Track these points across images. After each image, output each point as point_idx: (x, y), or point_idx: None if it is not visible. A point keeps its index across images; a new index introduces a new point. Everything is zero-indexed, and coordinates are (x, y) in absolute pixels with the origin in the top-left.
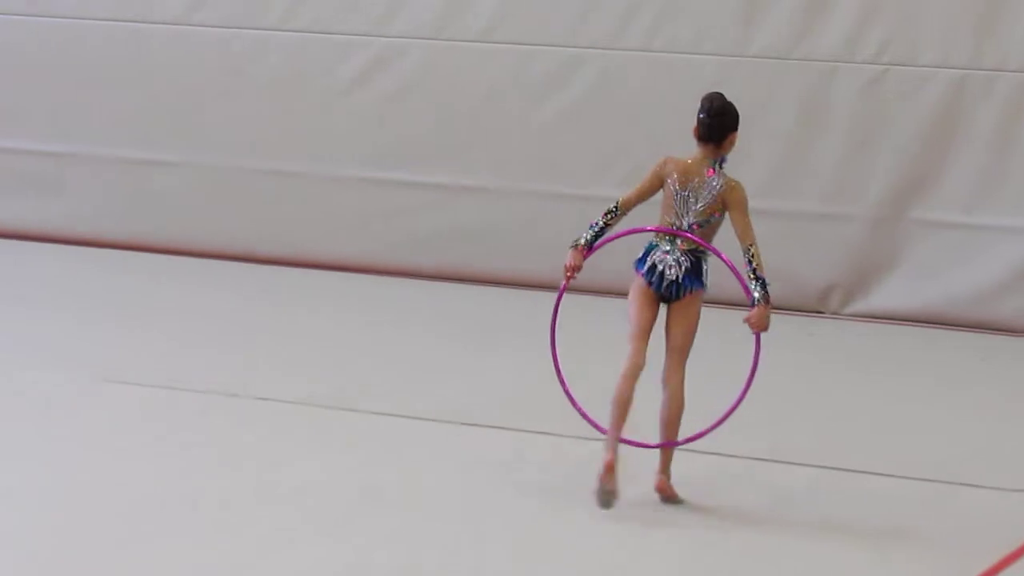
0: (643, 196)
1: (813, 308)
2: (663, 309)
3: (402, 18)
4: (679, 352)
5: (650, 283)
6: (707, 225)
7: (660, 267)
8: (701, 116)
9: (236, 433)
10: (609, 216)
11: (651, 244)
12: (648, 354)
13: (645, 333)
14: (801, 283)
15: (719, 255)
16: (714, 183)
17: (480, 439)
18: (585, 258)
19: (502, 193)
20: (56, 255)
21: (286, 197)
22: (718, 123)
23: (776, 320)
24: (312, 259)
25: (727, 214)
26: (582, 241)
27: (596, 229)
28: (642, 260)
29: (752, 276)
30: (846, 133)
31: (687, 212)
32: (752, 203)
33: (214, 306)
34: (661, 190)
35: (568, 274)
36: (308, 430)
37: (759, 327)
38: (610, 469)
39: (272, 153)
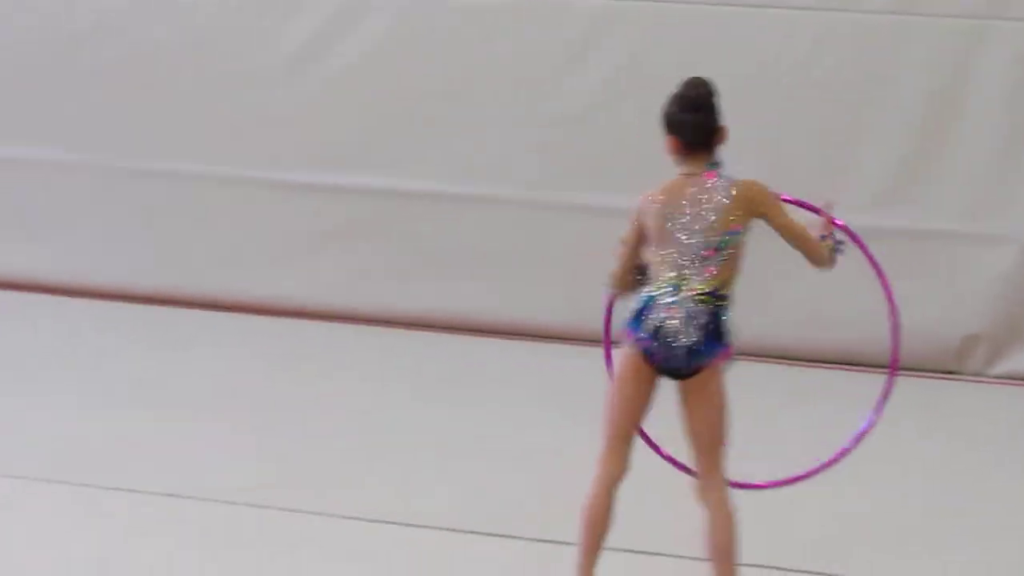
0: (632, 258)
1: (947, 368)
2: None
3: None
4: (712, 451)
5: (649, 355)
6: (726, 247)
7: (666, 330)
8: (683, 117)
9: None
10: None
11: (647, 297)
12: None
13: (630, 432)
14: (930, 333)
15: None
16: (721, 186)
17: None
18: None
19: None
20: None
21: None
22: (709, 117)
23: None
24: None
25: (753, 224)
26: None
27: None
28: (637, 320)
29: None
30: (994, 120)
31: (690, 236)
32: (860, 220)
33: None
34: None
35: None
36: None
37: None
38: None
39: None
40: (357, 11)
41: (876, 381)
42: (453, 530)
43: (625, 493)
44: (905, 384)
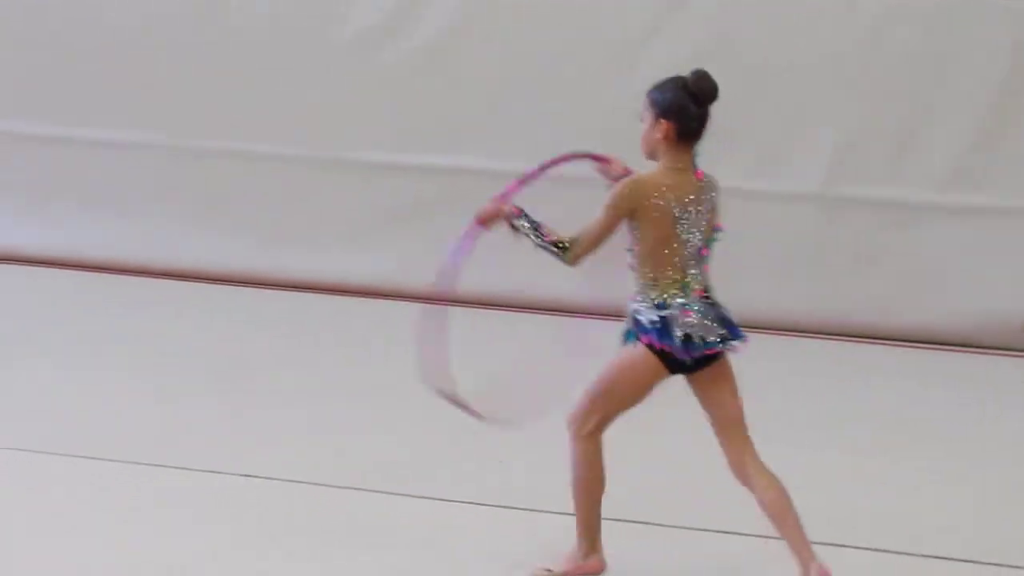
0: (602, 242)
1: (1014, 344)
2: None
3: None
4: (739, 424)
5: (674, 359)
6: (712, 244)
7: (695, 335)
8: (692, 109)
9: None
10: (559, 249)
11: (661, 304)
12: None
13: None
14: (996, 309)
15: None
16: (710, 183)
17: None
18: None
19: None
20: None
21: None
22: (708, 115)
23: (957, 360)
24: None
25: None
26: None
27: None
28: (664, 331)
29: None
30: None
31: (693, 236)
32: (935, 197)
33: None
34: (633, 227)
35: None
36: None
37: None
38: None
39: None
40: None
41: None
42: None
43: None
44: (978, 361)
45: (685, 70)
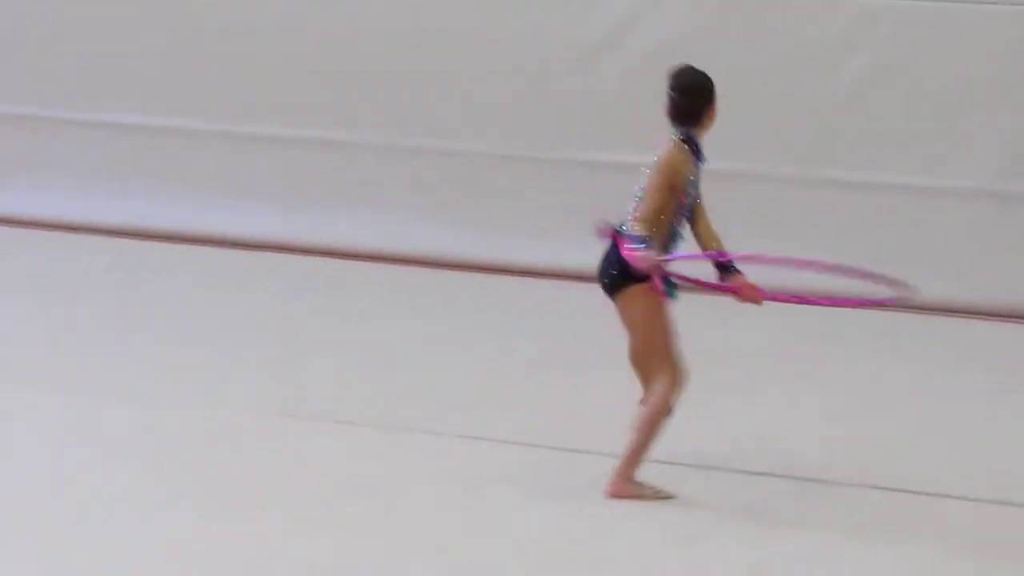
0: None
1: None
2: None
3: None
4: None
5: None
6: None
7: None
8: (669, 94)
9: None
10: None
11: (671, 257)
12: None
13: None
14: None
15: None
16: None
17: None
18: None
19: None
20: None
21: None
22: (690, 102)
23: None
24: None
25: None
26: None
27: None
28: (669, 283)
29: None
30: None
31: (688, 201)
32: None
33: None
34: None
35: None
36: None
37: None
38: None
39: None
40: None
41: None
42: None
43: None
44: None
45: (870, 76)
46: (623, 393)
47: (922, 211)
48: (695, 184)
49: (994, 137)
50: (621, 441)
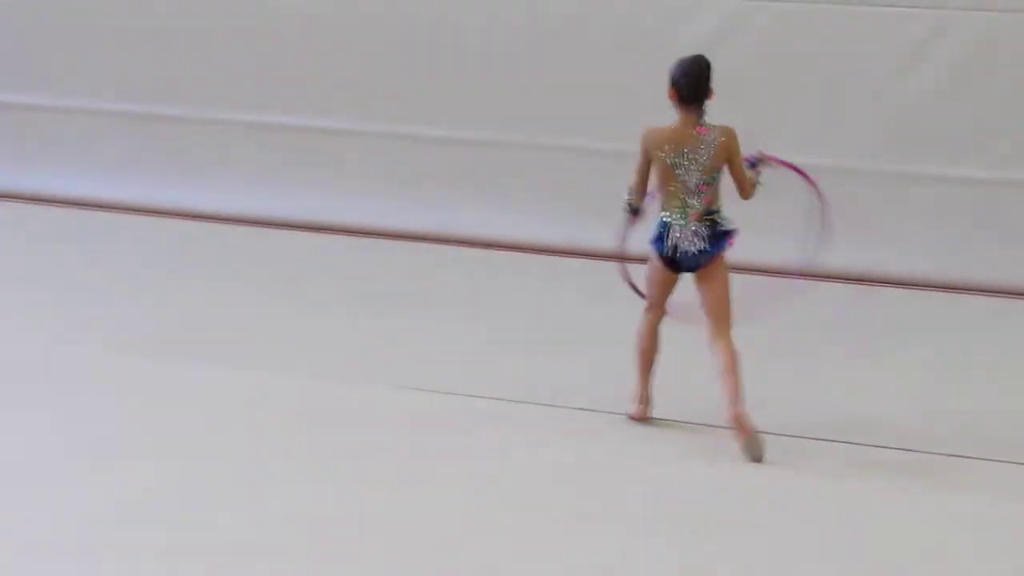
0: (645, 176)
1: None
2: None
3: None
4: (723, 318)
5: (674, 262)
6: (714, 182)
7: (682, 245)
8: (685, 80)
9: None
10: (632, 212)
11: (664, 222)
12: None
13: (663, 300)
14: None
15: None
16: (710, 137)
17: None
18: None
19: (853, 172)
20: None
21: None
22: (701, 83)
23: None
24: None
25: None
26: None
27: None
28: (659, 240)
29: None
30: None
31: (690, 176)
32: None
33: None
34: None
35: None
36: None
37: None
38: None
39: None
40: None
41: None
42: None
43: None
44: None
45: (949, 83)
46: None
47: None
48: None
49: None
50: None
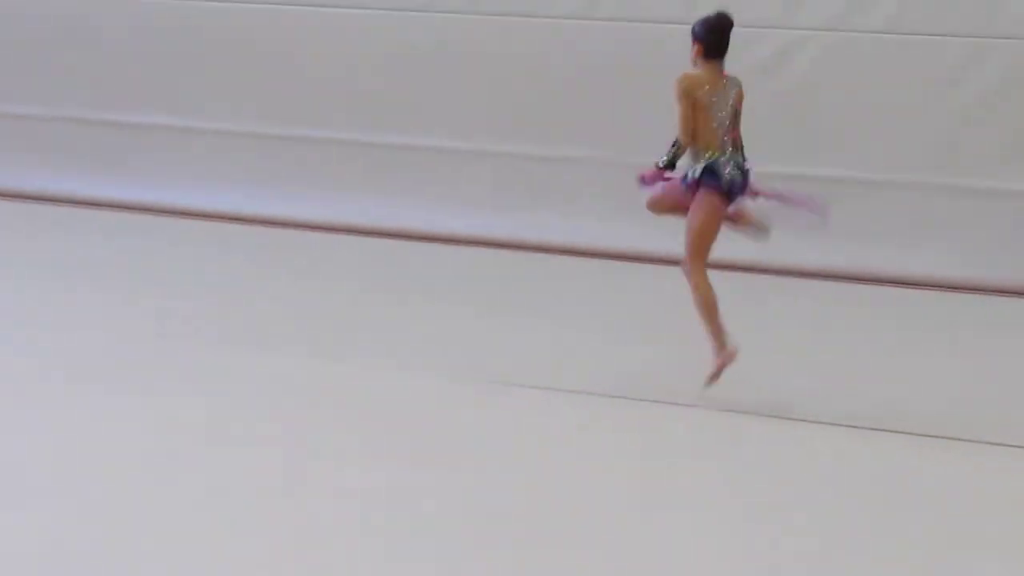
0: (690, 123)
1: None
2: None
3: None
4: (689, 234)
5: (728, 195)
6: (735, 123)
7: (732, 180)
8: (713, 36)
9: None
10: (675, 150)
11: (713, 159)
12: None
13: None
14: None
15: None
16: (731, 84)
17: None
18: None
19: (895, 186)
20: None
21: None
22: (725, 37)
23: None
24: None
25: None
26: (662, 163)
27: (669, 158)
28: (715, 175)
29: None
30: None
31: (724, 116)
32: None
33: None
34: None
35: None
36: None
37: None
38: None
39: None
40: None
41: None
42: None
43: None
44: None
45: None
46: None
47: None
48: None
49: None
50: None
